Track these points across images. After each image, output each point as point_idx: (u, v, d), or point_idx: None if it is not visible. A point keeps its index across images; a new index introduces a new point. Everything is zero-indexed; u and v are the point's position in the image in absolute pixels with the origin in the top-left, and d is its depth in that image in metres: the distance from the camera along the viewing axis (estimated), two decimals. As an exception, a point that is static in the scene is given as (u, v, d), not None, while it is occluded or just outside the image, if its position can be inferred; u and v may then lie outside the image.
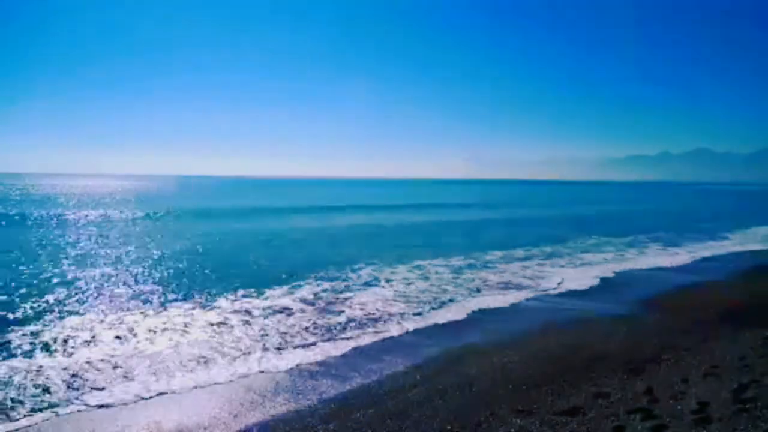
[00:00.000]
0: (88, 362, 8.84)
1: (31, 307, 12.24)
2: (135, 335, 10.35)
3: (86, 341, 9.90)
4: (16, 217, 37.42)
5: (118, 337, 10.18)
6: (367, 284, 15.66)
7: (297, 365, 9.01)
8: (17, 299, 12.96)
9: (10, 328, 10.50)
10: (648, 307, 12.85)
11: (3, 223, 33.61)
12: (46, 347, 9.52)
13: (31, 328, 10.63)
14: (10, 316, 11.49)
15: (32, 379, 8.06)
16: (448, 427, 6.44)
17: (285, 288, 14.82)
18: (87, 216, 39.63)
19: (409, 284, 15.70)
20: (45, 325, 10.82)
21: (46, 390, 7.72)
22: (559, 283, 16.18)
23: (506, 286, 15.79)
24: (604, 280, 16.76)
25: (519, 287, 15.60)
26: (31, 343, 9.69)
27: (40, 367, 8.58)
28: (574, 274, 17.83)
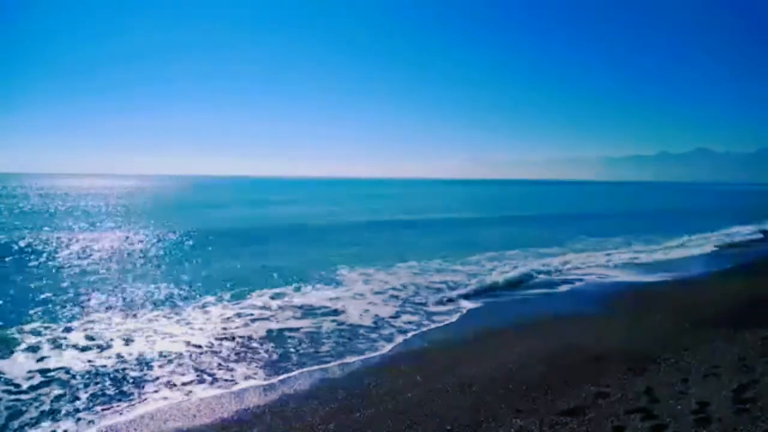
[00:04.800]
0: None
1: (28, 310, 12.25)
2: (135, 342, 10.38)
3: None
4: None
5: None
6: (362, 286, 15.59)
7: (295, 366, 9.00)
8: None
9: None
10: (647, 307, 12.83)
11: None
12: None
13: (34, 326, 10.67)
14: None
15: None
16: (448, 427, 6.43)
17: (279, 290, 14.80)
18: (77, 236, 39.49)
19: (405, 285, 15.64)
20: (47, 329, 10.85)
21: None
22: (558, 284, 16.17)
23: (505, 286, 15.79)
24: (604, 276, 16.76)
25: (517, 287, 15.61)
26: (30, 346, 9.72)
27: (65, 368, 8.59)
28: (572, 274, 17.83)
